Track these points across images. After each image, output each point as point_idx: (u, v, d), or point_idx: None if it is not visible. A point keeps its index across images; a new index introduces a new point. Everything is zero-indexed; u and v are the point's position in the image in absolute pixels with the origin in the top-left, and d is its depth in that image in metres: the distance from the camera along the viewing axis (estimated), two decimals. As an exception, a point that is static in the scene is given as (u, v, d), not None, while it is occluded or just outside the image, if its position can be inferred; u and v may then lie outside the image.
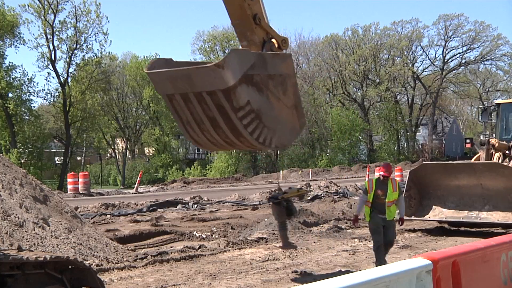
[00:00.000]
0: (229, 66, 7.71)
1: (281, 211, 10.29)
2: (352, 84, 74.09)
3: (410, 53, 72.97)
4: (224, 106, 8.00)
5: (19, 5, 53.05)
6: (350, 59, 69.54)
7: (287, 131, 9.01)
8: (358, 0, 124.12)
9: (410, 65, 71.37)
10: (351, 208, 19.30)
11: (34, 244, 10.14)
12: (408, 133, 72.97)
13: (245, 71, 7.93)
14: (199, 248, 12.92)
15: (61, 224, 11.34)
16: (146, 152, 74.81)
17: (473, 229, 15.57)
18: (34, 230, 10.53)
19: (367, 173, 39.13)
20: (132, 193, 31.67)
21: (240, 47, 8.94)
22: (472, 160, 17.31)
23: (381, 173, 10.98)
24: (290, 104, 8.92)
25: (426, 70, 75.57)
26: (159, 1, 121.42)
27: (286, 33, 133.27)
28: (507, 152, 16.24)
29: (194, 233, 15.58)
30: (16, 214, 10.60)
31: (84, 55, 55.96)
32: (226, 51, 63.56)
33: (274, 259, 11.92)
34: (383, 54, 72.42)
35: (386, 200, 10.78)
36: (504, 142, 16.50)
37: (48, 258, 6.05)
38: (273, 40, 8.98)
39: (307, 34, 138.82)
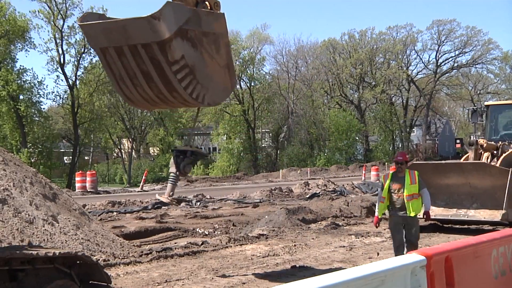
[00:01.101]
0: (165, 18, 7.52)
1: (173, 163, 9.77)
2: (349, 86, 74.10)
3: (405, 56, 72.91)
4: (159, 60, 7.82)
5: (29, 11, 53.07)
6: (347, 62, 69.52)
7: (219, 89, 8.82)
8: (354, 6, 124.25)
9: (405, 69, 71.27)
10: (348, 205, 19.30)
11: (44, 240, 10.16)
12: (402, 134, 72.86)
13: (180, 25, 7.71)
14: (202, 244, 12.93)
15: (69, 221, 11.36)
16: (151, 152, 74.74)
17: (465, 226, 15.56)
18: (43, 226, 10.55)
19: (363, 172, 39.14)
20: (138, 191, 31.75)
21: None
22: (462, 160, 17.29)
23: (396, 159, 10.22)
24: (222, 63, 8.74)
25: (420, 73, 75.46)
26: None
27: (286, 37, 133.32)
28: (495, 152, 16.22)
29: (197, 229, 15.59)
30: (27, 211, 10.62)
31: (91, 59, 55.88)
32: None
33: (274, 255, 11.93)
34: (378, 58, 72.40)
35: (405, 194, 9.81)
36: (493, 142, 16.49)
37: (57, 254, 6.07)
38: (206, 2, 8.66)
39: (306, 39, 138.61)
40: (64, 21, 52.68)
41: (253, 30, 66.66)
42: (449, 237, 14.08)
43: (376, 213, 10.29)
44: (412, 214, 9.87)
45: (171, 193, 9.78)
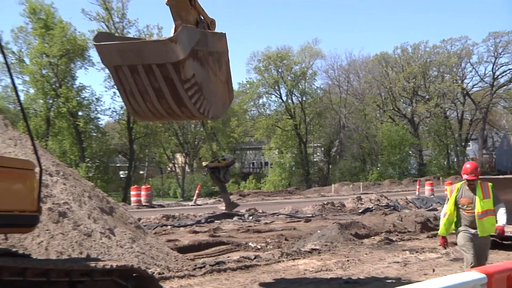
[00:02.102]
0: (180, 41, 8.01)
1: (213, 178, 10.63)
2: (402, 100, 72.90)
3: (460, 69, 71.21)
4: (172, 78, 8.27)
5: (88, 30, 54.83)
6: (400, 76, 68.53)
7: (220, 103, 9.36)
8: (407, 20, 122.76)
9: (460, 82, 69.67)
10: (401, 221, 18.93)
11: (101, 252, 10.30)
12: (458, 148, 71.10)
13: (192, 46, 8.25)
14: (255, 258, 12.87)
15: (125, 234, 11.50)
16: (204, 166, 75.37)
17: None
18: (101, 239, 10.71)
19: (417, 186, 38.46)
20: (191, 205, 31.96)
21: (174, 26, 8.99)
22: None
23: (465, 176, 8.56)
24: (223, 80, 9.28)
25: (475, 86, 73.55)
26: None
27: (337, 52, 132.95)
28: None
29: (250, 244, 15.55)
30: (85, 225, 10.81)
31: (147, 76, 57.00)
32: (280, 70, 63.68)
33: (326, 270, 11.77)
34: (432, 71, 71.03)
35: (477, 211, 8.39)
36: None
37: (114, 266, 6.15)
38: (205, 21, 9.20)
39: (358, 53, 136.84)
40: (120, 39, 53.89)
41: (305, 45, 66.71)
42: (509, 255, 13.60)
43: (440, 231, 8.82)
44: (485, 234, 8.50)
45: (229, 201, 10.78)
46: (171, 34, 8.65)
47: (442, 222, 8.77)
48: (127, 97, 8.93)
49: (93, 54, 55.07)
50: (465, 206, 8.59)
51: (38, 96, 52.95)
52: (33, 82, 51.81)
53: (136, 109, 9.09)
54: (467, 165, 8.73)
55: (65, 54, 51.23)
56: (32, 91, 52.88)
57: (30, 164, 5.78)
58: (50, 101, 53.09)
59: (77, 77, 54.49)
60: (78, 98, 52.52)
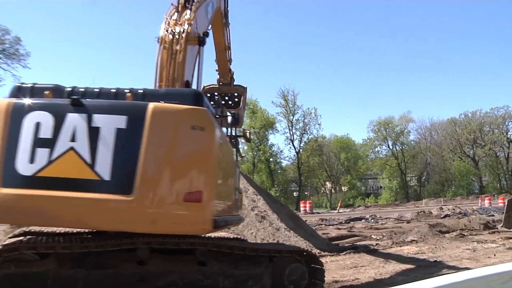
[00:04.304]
0: (241, 107, 9.50)
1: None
2: (466, 146, 65.17)
3: (504, 126, 61.61)
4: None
5: (275, 113, 57.14)
6: (464, 131, 61.65)
7: (243, 117, 10.34)
8: (468, 93, 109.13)
9: (505, 134, 60.79)
10: (470, 222, 16.53)
11: (285, 240, 10.44)
12: (506, 176, 61.58)
13: (244, 105, 9.66)
14: (376, 245, 12.16)
15: (298, 229, 11.55)
16: (343, 189, 72.98)
17: None
18: (284, 232, 10.86)
19: (480, 200, 33.84)
20: (336, 213, 31.16)
21: (217, 80, 9.44)
22: None
23: None
24: (244, 107, 10.03)
25: (516, 136, 63.42)
26: (343, 98, 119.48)
27: (423, 117, 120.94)
28: None
29: (372, 236, 14.72)
30: (276, 223, 11.07)
31: (308, 137, 57.70)
32: (387, 130, 61.14)
33: (421, 253, 10.70)
34: (486, 128, 62.78)
35: None
36: None
37: (294, 248, 6.24)
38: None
39: (436, 118, 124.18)
40: (293, 116, 55.51)
41: (402, 115, 63.34)
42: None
43: None
44: None
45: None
46: (216, 83, 9.47)
47: None
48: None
49: (278, 126, 57.27)
50: None
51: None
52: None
53: None
54: None
55: (263, 126, 53.73)
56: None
57: (241, 190, 6.25)
58: (255, 153, 55.62)
59: (269, 139, 56.75)
60: (270, 151, 54.42)
